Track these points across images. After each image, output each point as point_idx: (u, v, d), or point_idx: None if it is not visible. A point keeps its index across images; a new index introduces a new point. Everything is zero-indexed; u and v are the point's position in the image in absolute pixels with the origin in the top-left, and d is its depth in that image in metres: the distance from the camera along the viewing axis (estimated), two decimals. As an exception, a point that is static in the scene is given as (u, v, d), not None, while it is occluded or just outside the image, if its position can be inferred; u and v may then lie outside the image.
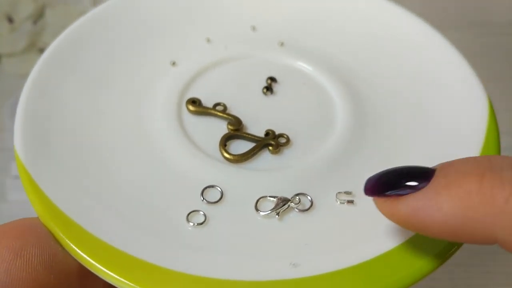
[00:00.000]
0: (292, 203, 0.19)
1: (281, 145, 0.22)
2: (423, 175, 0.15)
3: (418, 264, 0.17)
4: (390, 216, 0.16)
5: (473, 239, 0.14)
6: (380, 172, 0.16)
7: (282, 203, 0.19)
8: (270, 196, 0.20)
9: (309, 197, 0.20)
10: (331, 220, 0.19)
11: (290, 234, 0.19)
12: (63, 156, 0.20)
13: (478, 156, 0.15)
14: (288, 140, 0.22)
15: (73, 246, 0.17)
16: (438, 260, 0.17)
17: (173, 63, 0.25)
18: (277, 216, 0.19)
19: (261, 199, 0.20)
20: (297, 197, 0.19)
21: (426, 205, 0.14)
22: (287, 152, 0.22)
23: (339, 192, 0.20)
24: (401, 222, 0.15)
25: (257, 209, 0.19)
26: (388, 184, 0.16)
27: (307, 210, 0.19)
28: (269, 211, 0.19)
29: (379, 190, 0.16)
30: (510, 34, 0.46)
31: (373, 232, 0.18)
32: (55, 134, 0.21)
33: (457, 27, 0.46)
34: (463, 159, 0.15)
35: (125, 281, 0.16)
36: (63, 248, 0.17)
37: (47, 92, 0.22)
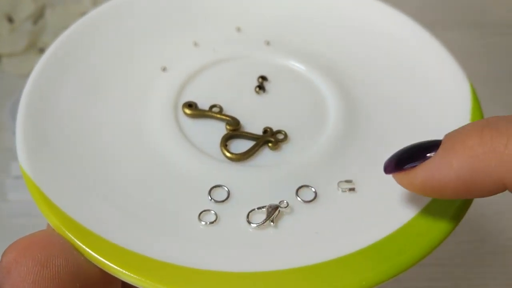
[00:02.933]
0: (281, 208, 0.20)
1: (279, 141, 0.22)
2: (433, 145, 0.17)
3: (424, 241, 0.18)
4: (409, 186, 0.18)
5: (485, 189, 0.16)
6: (396, 152, 0.18)
7: (273, 210, 0.20)
8: (258, 208, 0.20)
9: (312, 189, 0.21)
10: (336, 208, 0.20)
11: (300, 225, 0.20)
12: (71, 166, 0.21)
13: (476, 120, 0.17)
14: (286, 136, 0.23)
15: (97, 256, 0.18)
16: (441, 236, 0.19)
17: (164, 69, 0.25)
18: (272, 223, 0.19)
19: (251, 212, 0.20)
20: (285, 201, 0.20)
21: (438, 166, 0.16)
22: (285, 147, 0.23)
23: (340, 181, 0.21)
24: (420, 189, 0.17)
25: (249, 222, 0.20)
26: (405, 159, 0.18)
27: (312, 201, 0.20)
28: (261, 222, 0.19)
29: (397, 166, 0.18)
30: (510, 34, 0.46)
31: (377, 215, 0.20)
32: (57, 144, 0.21)
33: (457, 27, 0.46)
34: (463, 126, 0.17)
35: (152, 283, 0.17)
36: (85, 257, 0.18)
37: (44, 107, 0.22)
